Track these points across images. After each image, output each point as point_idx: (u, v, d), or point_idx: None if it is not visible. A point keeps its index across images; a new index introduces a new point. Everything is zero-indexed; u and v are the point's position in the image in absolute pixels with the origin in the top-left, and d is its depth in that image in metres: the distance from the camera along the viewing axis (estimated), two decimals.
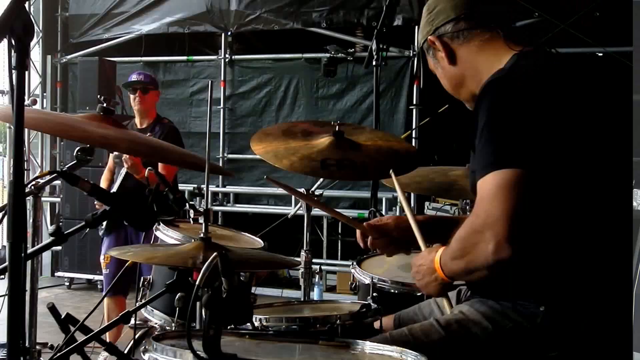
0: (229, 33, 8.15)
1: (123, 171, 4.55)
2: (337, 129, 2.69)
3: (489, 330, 1.79)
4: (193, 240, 2.17)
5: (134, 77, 4.90)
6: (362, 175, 3.00)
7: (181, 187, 6.82)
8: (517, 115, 1.67)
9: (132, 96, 4.82)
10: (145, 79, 4.90)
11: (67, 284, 7.88)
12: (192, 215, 2.85)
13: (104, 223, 4.63)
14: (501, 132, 1.68)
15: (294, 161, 2.65)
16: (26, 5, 1.38)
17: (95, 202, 4.75)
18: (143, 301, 2.44)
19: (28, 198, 2.76)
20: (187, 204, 2.82)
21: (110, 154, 4.89)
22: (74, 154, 2.56)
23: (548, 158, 1.64)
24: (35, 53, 9.02)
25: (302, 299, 2.98)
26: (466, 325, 1.82)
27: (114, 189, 4.61)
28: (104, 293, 4.85)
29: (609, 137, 1.79)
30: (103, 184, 4.86)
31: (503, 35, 1.88)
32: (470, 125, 1.78)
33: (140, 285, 2.61)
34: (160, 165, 4.53)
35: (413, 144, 7.33)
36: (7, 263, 1.37)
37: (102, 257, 4.72)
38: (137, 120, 4.86)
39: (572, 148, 1.69)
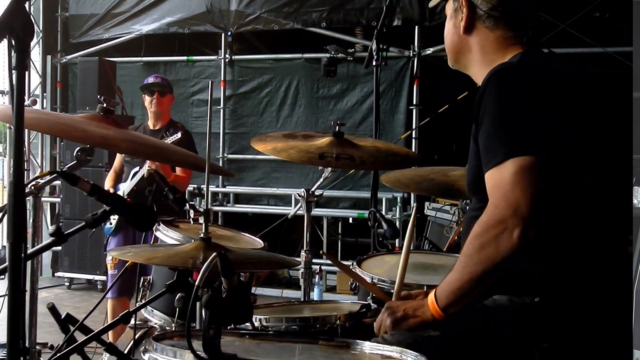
0: (229, 33, 8.16)
1: (141, 172, 4.50)
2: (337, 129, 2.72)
3: (478, 323, 1.78)
4: (193, 240, 2.17)
5: (151, 80, 4.91)
6: (360, 165, 3.03)
7: None
8: (528, 105, 1.68)
9: (148, 98, 4.81)
10: (163, 82, 4.92)
11: (67, 284, 7.88)
12: (192, 216, 2.85)
13: (114, 222, 4.61)
14: (512, 121, 1.68)
15: (292, 153, 2.68)
16: (26, 5, 1.38)
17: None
18: (143, 301, 2.44)
19: (28, 198, 2.75)
20: (187, 204, 2.83)
21: (119, 155, 4.84)
22: (74, 154, 2.57)
23: (557, 147, 1.65)
24: (35, 53, 9.02)
25: (302, 299, 2.98)
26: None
27: (126, 189, 4.56)
28: (106, 293, 4.77)
29: (609, 134, 1.80)
30: (107, 184, 4.83)
31: (524, 40, 1.89)
32: (473, 116, 1.77)
33: (140, 285, 2.61)
34: (178, 169, 4.53)
35: (413, 144, 7.35)
36: (7, 263, 1.37)
37: (109, 257, 4.66)
38: (150, 122, 4.86)
39: (576, 141, 1.70)
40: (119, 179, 4.83)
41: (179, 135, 4.45)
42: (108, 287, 4.82)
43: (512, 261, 1.61)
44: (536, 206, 1.58)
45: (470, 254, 1.67)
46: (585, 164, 1.72)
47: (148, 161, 4.28)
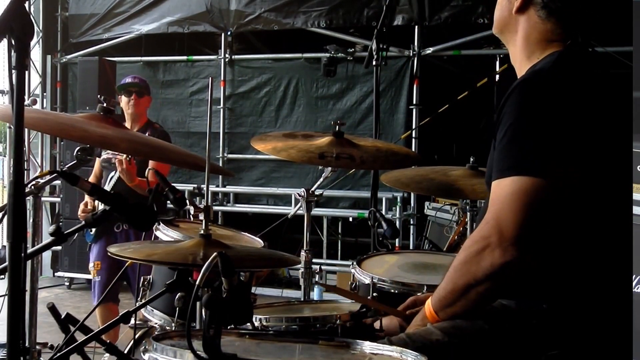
0: (229, 33, 8.16)
1: (115, 175, 4.48)
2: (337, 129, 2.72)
3: (486, 329, 1.78)
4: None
5: (128, 80, 4.81)
6: (360, 165, 3.04)
7: (181, 187, 6.83)
8: (548, 123, 1.64)
9: (125, 99, 4.69)
10: (141, 82, 4.81)
11: (67, 284, 7.88)
12: (192, 212, 2.85)
13: (94, 229, 4.55)
14: (528, 136, 1.65)
15: (292, 153, 2.69)
16: (26, 5, 1.38)
17: (79, 213, 4.63)
18: (143, 301, 2.44)
19: (28, 198, 2.75)
20: (187, 204, 2.82)
21: (97, 159, 4.76)
22: (74, 154, 2.57)
23: (569, 170, 1.63)
24: (35, 53, 9.02)
25: (302, 299, 2.97)
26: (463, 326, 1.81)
27: None
28: (95, 301, 4.73)
29: (613, 142, 1.79)
30: None
31: (568, 41, 1.84)
32: (497, 114, 1.75)
33: (140, 285, 2.61)
34: (151, 162, 4.46)
35: (413, 144, 7.35)
36: (7, 263, 1.37)
37: (91, 264, 4.61)
38: (127, 124, 4.70)
39: (588, 159, 1.68)
40: (99, 183, 4.77)
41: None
42: (94, 295, 4.74)
43: (492, 278, 1.62)
44: (523, 230, 1.58)
45: (455, 265, 1.69)
46: (590, 173, 1.70)
47: (118, 157, 4.23)
